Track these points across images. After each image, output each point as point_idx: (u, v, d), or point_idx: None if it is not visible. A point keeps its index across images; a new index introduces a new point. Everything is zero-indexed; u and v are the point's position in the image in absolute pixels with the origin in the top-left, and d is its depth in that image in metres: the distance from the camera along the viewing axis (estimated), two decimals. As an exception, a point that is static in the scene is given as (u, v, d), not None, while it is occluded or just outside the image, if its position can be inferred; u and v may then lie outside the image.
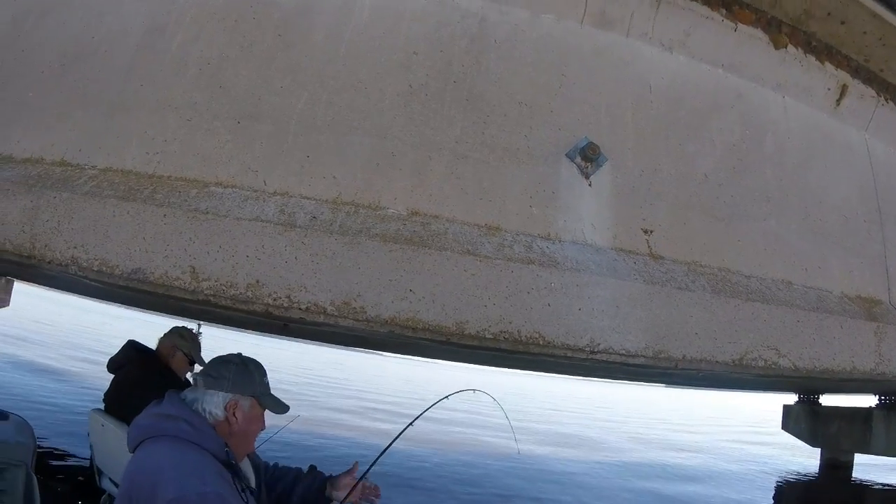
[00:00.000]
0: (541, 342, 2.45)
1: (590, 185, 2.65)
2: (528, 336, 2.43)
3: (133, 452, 1.60)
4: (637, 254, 2.67)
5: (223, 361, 1.82)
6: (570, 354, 2.52)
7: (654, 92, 2.88)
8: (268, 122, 2.62)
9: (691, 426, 19.99)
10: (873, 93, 3.39)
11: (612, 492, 7.01)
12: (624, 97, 2.82)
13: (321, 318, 2.38)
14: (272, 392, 1.87)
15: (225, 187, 2.59)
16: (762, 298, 2.82)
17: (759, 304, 2.78)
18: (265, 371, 1.90)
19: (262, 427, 1.84)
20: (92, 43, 3.00)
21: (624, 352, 2.55)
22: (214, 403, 1.70)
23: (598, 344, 2.52)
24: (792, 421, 10.73)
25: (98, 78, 2.92)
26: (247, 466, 1.87)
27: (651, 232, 2.72)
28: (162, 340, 3.47)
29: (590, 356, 2.53)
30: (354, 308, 2.35)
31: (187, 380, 3.45)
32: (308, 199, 2.52)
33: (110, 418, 2.87)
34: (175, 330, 3.53)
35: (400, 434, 2.21)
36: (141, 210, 2.54)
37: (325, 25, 2.70)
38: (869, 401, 8.97)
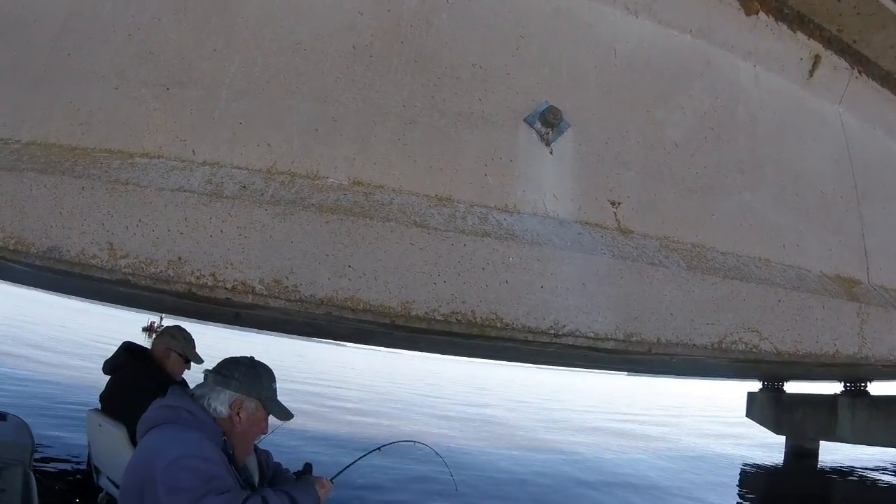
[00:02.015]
0: (498, 324, 1.97)
1: (551, 152, 2.19)
2: (484, 317, 1.96)
3: None
4: (604, 227, 2.21)
5: (234, 362, 1.79)
6: (531, 338, 2.05)
7: (618, 56, 2.44)
8: (198, 87, 2.16)
9: (652, 416, 19.27)
10: (846, 65, 2.95)
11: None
12: (587, 61, 2.38)
13: (249, 299, 1.91)
14: (278, 398, 1.82)
15: (151, 158, 2.13)
16: (741, 276, 2.36)
17: (738, 282, 2.32)
18: (274, 377, 1.85)
19: (264, 431, 1.79)
20: (22, 14, 2.54)
21: (592, 334, 2.08)
22: (220, 401, 1.68)
23: (564, 325, 2.05)
24: (756, 408, 10.24)
25: (26, 48, 2.46)
26: (252, 463, 1.83)
27: (619, 204, 2.26)
28: (155, 343, 3.19)
29: (554, 339, 2.06)
30: (286, 287, 1.88)
31: (183, 380, 3.17)
32: (239, 168, 2.05)
33: (107, 418, 2.72)
34: (167, 331, 3.23)
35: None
36: (59, 183, 2.08)
37: (262, -16, 2.24)
38: (833, 388, 8.50)
